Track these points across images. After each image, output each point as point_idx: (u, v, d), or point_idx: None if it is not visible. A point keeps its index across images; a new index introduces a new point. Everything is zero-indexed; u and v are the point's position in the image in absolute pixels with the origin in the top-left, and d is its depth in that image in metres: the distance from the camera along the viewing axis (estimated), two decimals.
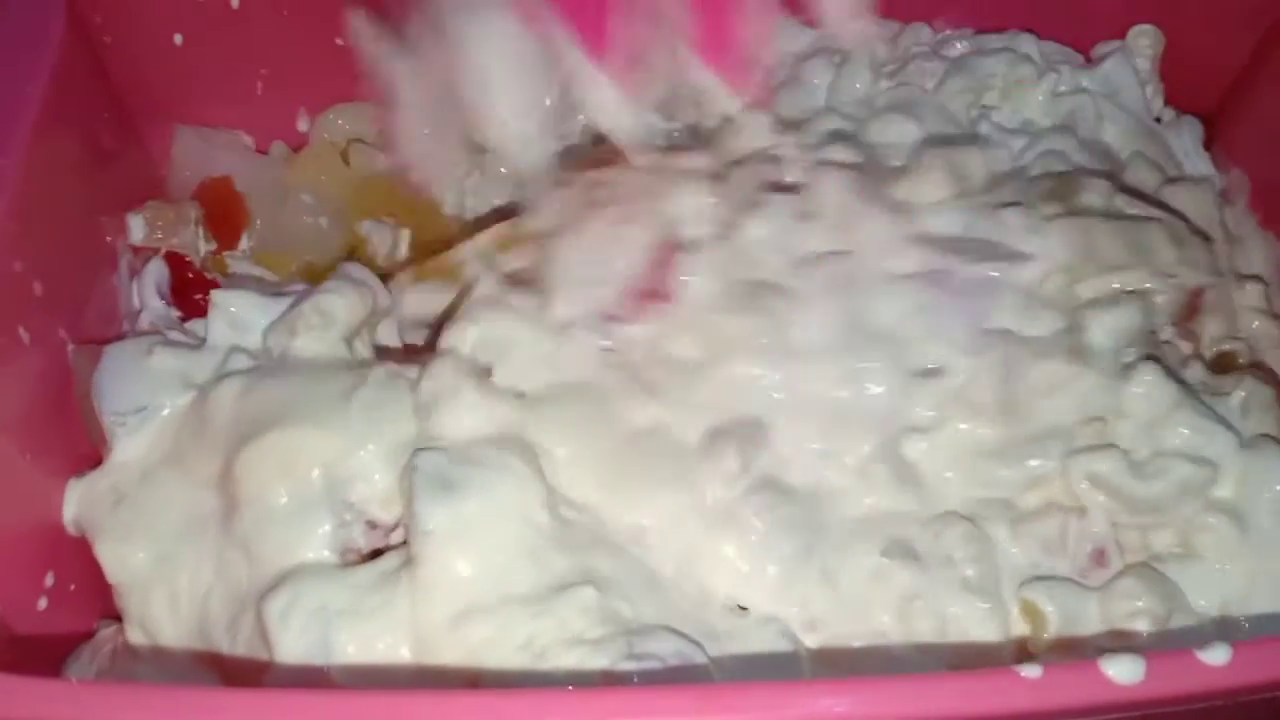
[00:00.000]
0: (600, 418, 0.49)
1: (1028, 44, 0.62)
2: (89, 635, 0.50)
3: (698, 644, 0.44)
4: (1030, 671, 0.37)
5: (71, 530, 0.50)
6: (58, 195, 0.52)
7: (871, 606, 0.46)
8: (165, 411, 0.51)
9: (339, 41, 0.54)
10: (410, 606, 0.44)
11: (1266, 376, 0.52)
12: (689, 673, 0.43)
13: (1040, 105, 0.60)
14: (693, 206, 0.53)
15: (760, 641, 0.45)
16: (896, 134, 0.58)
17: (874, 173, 0.55)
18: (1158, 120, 0.63)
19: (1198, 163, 0.61)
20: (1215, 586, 0.47)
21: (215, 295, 0.54)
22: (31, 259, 0.49)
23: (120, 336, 0.55)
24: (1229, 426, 0.48)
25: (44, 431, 0.50)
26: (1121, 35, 0.63)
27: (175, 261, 0.59)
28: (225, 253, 0.61)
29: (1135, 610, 0.45)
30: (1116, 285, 0.52)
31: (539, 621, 0.43)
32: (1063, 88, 0.61)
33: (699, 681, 0.42)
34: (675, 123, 0.59)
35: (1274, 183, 0.59)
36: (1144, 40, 0.63)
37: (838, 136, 0.57)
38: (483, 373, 0.49)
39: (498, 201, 0.62)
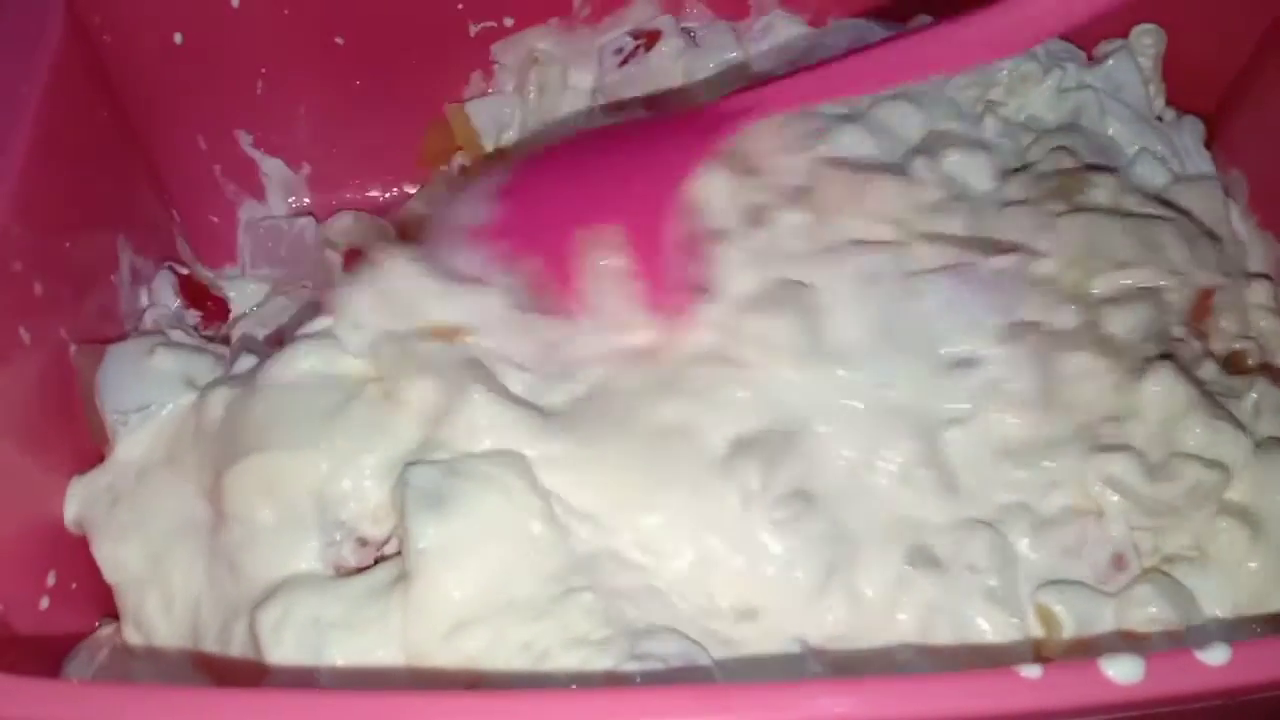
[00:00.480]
0: (620, 417, 0.47)
1: None
2: (90, 634, 0.50)
3: (701, 646, 0.43)
4: (1030, 671, 0.36)
5: (73, 529, 0.50)
6: (58, 195, 0.52)
7: (893, 617, 0.45)
8: (166, 410, 0.51)
9: (339, 41, 0.54)
10: (404, 623, 0.43)
11: (1278, 379, 0.52)
12: (692, 674, 0.42)
13: (1045, 101, 0.61)
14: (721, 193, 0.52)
15: (770, 649, 0.45)
16: (900, 122, 0.57)
17: (883, 166, 0.55)
18: (1159, 119, 0.63)
19: (1199, 162, 0.61)
20: (1228, 590, 0.47)
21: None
22: (31, 259, 0.49)
23: (121, 336, 0.55)
24: (1242, 429, 0.48)
25: (44, 431, 0.50)
26: (1124, 34, 0.63)
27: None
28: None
29: (1150, 617, 0.45)
30: (1128, 281, 0.52)
31: (540, 624, 0.43)
32: (1068, 84, 0.61)
33: (702, 683, 0.42)
34: None
35: (1274, 183, 0.59)
36: (1147, 39, 0.63)
37: (847, 120, 0.57)
38: (491, 376, 0.48)
39: None
